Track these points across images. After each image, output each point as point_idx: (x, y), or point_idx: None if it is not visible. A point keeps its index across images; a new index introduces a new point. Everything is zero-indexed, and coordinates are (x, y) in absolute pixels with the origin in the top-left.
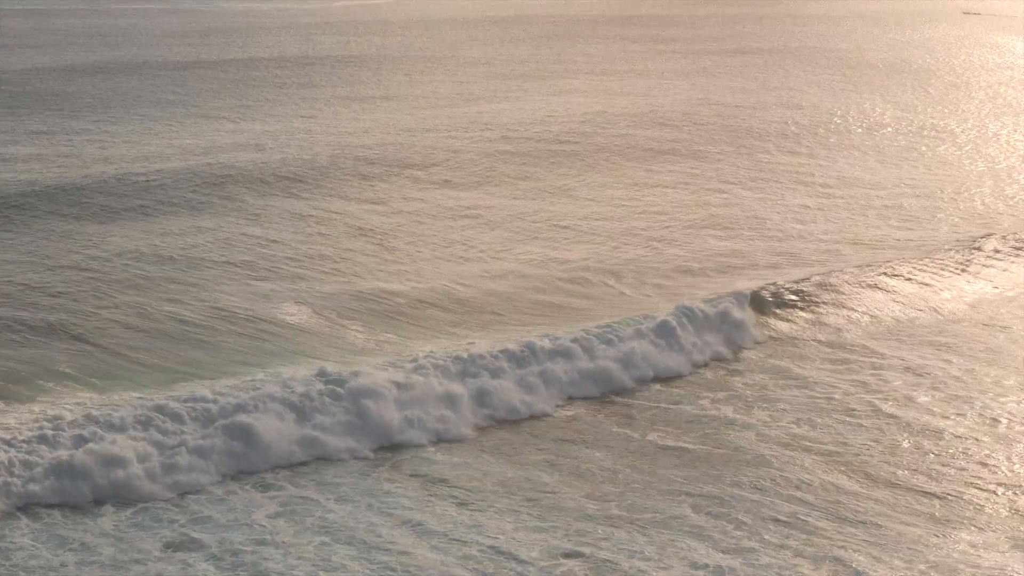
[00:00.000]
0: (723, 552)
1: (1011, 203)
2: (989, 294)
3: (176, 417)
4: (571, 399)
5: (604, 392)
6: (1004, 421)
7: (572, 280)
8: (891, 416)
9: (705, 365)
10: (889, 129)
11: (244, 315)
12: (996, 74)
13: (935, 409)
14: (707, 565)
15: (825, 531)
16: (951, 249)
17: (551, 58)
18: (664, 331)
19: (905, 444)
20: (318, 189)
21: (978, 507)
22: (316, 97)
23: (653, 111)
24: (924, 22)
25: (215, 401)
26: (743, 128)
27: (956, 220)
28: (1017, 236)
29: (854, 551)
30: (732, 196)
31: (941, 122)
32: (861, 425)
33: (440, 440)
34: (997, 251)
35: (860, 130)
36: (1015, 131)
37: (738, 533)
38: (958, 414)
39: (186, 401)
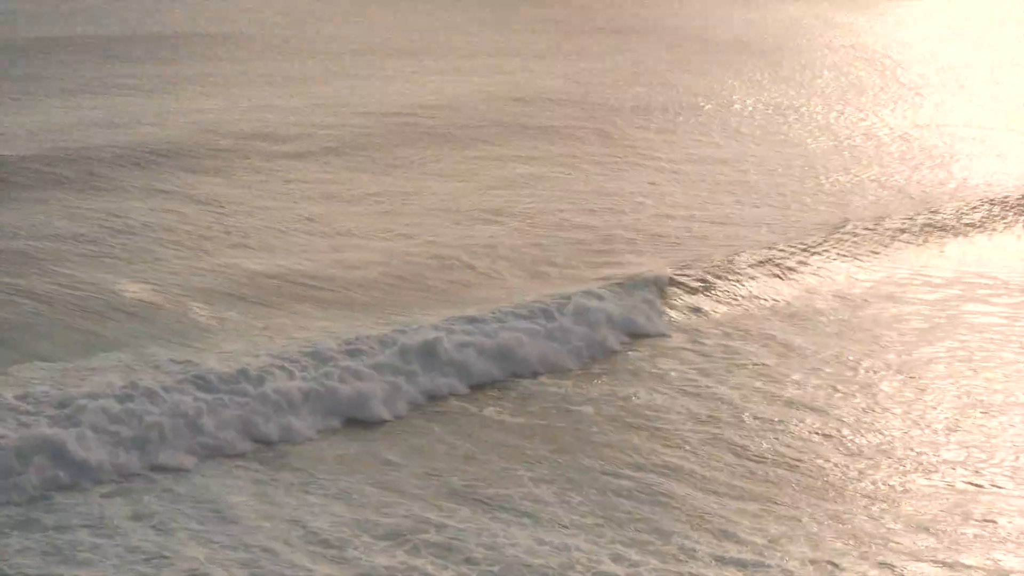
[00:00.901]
0: (568, 528)
1: (861, 184)
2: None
3: None
4: (433, 399)
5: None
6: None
7: (435, 263)
8: (766, 394)
9: (592, 358)
10: (741, 107)
11: (84, 292)
12: (841, 53)
13: (814, 394)
14: (552, 542)
15: (672, 504)
16: (819, 232)
17: (411, 35)
18: (547, 318)
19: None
20: (172, 167)
21: (829, 478)
22: (168, 75)
23: (515, 90)
24: (773, 1)
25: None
26: (600, 106)
27: (810, 200)
28: (881, 220)
29: (702, 527)
30: (594, 177)
31: (792, 102)
32: (736, 408)
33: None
34: (862, 233)
35: (713, 108)
36: (860, 110)
37: (583, 509)
38: (822, 390)
39: None
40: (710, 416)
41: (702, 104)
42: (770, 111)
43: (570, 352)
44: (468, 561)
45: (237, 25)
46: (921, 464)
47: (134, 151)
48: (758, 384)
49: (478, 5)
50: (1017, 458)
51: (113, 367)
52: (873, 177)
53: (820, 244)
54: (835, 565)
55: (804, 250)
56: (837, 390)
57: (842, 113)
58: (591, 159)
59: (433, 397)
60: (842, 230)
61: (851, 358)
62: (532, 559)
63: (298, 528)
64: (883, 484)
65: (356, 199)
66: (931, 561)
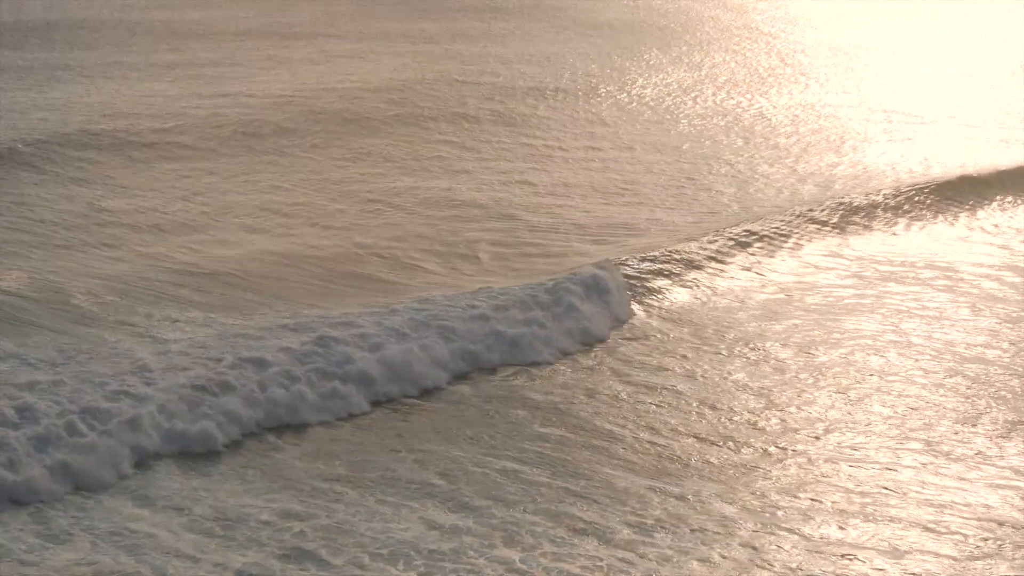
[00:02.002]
0: (458, 511)
1: (764, 170)
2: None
3: None
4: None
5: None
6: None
7: (350, 256)
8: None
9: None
10: (641, 91)
11: None
12: (733, 33)
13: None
14: (443, 525)
15: (554, 486)
16: (734, 221)
17: (292, 19)
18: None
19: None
20: (51, 162)
21: (707, 459)
22: (32, 66)
23: (409, 74)
24: None
25: None
26: (502, 89)
27: (717, 190)
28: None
29: (592, 507)
30: (500, 164)
31: (691, 84)
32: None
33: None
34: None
35: (622, 95)
36: (750, 93)
37: (469, 491)
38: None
39: None
40: (604, 396)
41: (601, 87)
42: (668, 95)
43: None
44: (359, 545)
45: (99, 12)
46: (817, 443)
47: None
48: (653, 364)
49: None
50: (899, 431)
51: None
52: (775, 161)
53: (737, 235)
54: (724, 544)
55: (721, 241)
56: (745, 375)
57: (735, 96)
58: (496, 145)
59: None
60: (759, 220)
61: (760, 345)
62: (423, 544)
63: (182, 516)
64: (779, 461)
65: (258, 189)
66: (813, 538)
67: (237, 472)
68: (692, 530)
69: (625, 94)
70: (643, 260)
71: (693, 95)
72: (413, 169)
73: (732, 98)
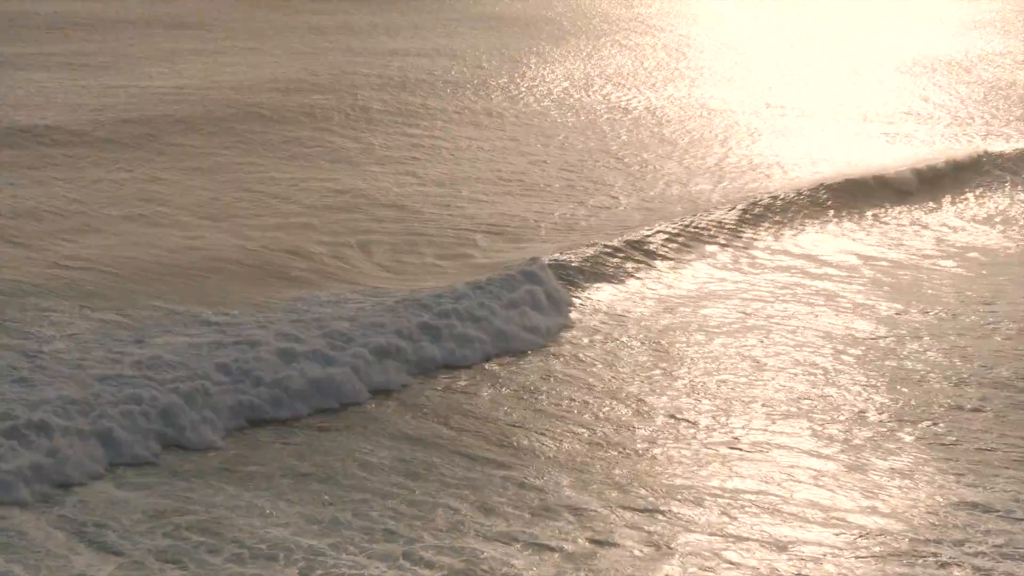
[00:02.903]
0: (339, 505)
1: (663, 169)
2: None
3: None
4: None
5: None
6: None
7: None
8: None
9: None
10: (546, 89)
11: None
12: (621, 27)
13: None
14: (322, 520)
15: (432, 478)
16: (639, 225)
17: (172, 12)
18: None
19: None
20: None
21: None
22: None
23: (284, 71)
24: None
25: None
26: (408, 86)
27: (618, 190)
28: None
29: (469, 499)
30: (408, 164)
31: (580, 78)
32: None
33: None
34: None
35: (513, 88)
36: (642, 91)
37: (347, 483)
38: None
39: None
40: (483, 394)
41: (491, 80)
42: (558, 88)
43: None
44: (237, 541)
45: None
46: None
47: None
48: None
49: None
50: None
51: None
52: (667, 157)
53: (644, 237)
54: (603, 532)
55: (630, 245)
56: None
57: (624, 90)
58: (388, 138)
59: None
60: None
61: (666, 344)
62: (303, 539)
63: (52, 514)
64: (660, 456)
65: (141, 179)
66: (700, 530)
67: (108, 470)
68: (577, 523)
69: (515, 87)
70: (567, 257)
71: (583, 89)
72: (303, 163)
73: (621, 92)
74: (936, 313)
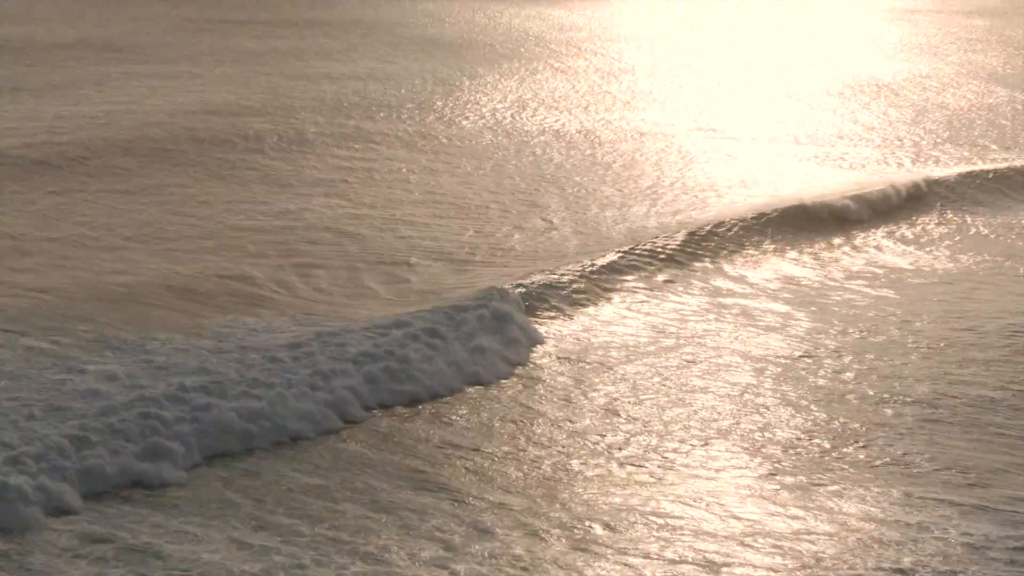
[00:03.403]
0: (263, 529)
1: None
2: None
3: None
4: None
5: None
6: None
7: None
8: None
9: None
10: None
11: None
12: (555, 48)
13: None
14: (251, 544)
15: (359, 501)
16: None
17: (103, 37)
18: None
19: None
20: None
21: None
22: None
23: (226, 97)
24: None
25: None
26: (318, 109)
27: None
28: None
29: (398, 523)
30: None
31: (515, 101)
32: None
33: None
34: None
35: (451, 112)
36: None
37: (277, 508)
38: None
39: None
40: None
41: (431, 103)
42: (496, 112)
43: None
44: (166, 570)
45: None
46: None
47: None
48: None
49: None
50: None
51: None
52: (603, 182)
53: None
54: (528, 556)
55: (579, 274)
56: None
57: (557, 114)
58: (327, 163)
59: None
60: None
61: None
62: (233, 564)
63: None
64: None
65: (73, 211)
66: (633, 554)
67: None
68: (508, 549)
69: (450, 110)
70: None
71: (517, 112)
72: (237, 187)
73: (554, 115)
74: (864, 335)
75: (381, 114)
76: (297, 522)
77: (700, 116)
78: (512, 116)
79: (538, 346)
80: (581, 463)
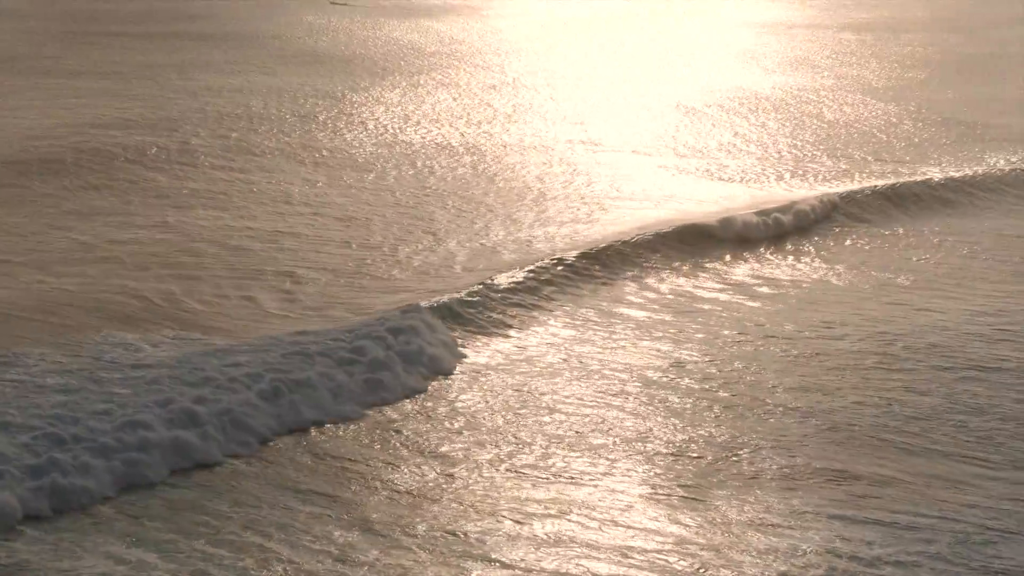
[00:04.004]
0: (142, 547)
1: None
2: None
3: None
4: None
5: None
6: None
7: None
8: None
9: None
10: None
11: None
12: (438, 61)
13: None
14: (130, 560)
15: (237, 517)
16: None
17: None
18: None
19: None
20: None
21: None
22: None
23: (107, 113)
24: (299, 9)
25: None
26: (201, 123)
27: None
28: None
29: (278, 536)
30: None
31: (404, 115)
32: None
33: None
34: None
35: (339, 125)
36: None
37: (157, 525)
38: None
39: None
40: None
41: (316, 116)
42: (382, 127)
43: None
44: None
45: None
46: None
47: None
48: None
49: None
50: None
51: None
52: (497, 195)
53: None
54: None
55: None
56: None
57: (444, 128)
58: (214, 180)
59: None
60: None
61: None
62: None
63: None
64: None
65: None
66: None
67: None
68: (389, 561)
69: (334, 123)
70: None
71: (401, 125)
72: (119, 202)
73: (438, 129)
74: (749, 347)
75: (263, 127)
76: (174, 536)
77: (582, 129)
78: (395, 129)
79: (434, 363)
80: (469, 476)
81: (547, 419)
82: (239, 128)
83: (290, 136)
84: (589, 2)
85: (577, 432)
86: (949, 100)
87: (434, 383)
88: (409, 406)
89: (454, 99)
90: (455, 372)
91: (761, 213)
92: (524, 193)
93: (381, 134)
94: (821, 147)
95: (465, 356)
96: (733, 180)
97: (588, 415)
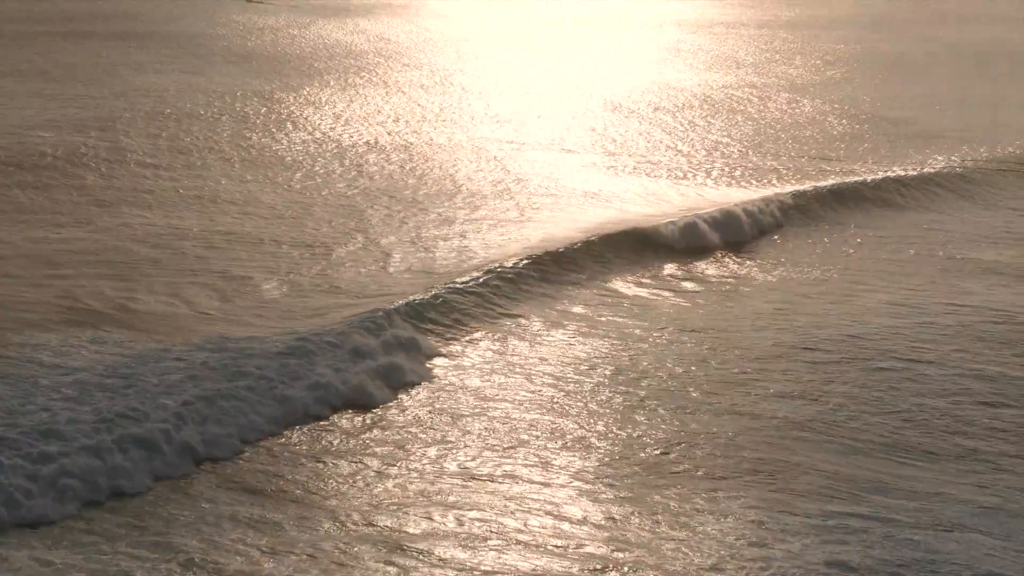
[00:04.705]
0: (68, 549)
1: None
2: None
3: None
4: None
5: None
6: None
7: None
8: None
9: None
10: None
11: None
12: (368, 60)
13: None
14: (55, 562)
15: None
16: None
17: None
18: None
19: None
20: None
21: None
22: None
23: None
24: (219, 9)
25: None
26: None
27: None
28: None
29: (205, 538)
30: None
31: (333, 116)
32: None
33: None
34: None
35: (268, 124)
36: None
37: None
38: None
39: None
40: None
41: (251, 116)
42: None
43: None
44: None
45: None
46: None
47: None
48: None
49: None
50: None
51: None
52: (428, 195)
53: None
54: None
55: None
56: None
57: (379, 131)
58: (157, 183)
59: None
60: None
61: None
62: None
63: None
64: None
65: None
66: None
67: None
68: (319, 560)
69: (268, 124)
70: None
71: (335, 125)
72: (48, 202)
73: (372, 129)
74: (694, 348)
75: (193, 126)
76: (97, 539)
77: (511, 127)
78: (326, 128)
79: (375, 372)
80: (408, 482)
81: (482, 422)
82: (168, 128)
83: (219, 135)
84: (518, 4)
85: (512, 434)
86: (874, 98)
87: (375, 391)
88: (346, 417)
89: (383, 98)
90: (395, 380)
91: (704, 214)
92: (454, 193)
93: (311, 132)
94: (748, 144)
95: (402, 364)
96: (660, 176)
97: (523, 418)
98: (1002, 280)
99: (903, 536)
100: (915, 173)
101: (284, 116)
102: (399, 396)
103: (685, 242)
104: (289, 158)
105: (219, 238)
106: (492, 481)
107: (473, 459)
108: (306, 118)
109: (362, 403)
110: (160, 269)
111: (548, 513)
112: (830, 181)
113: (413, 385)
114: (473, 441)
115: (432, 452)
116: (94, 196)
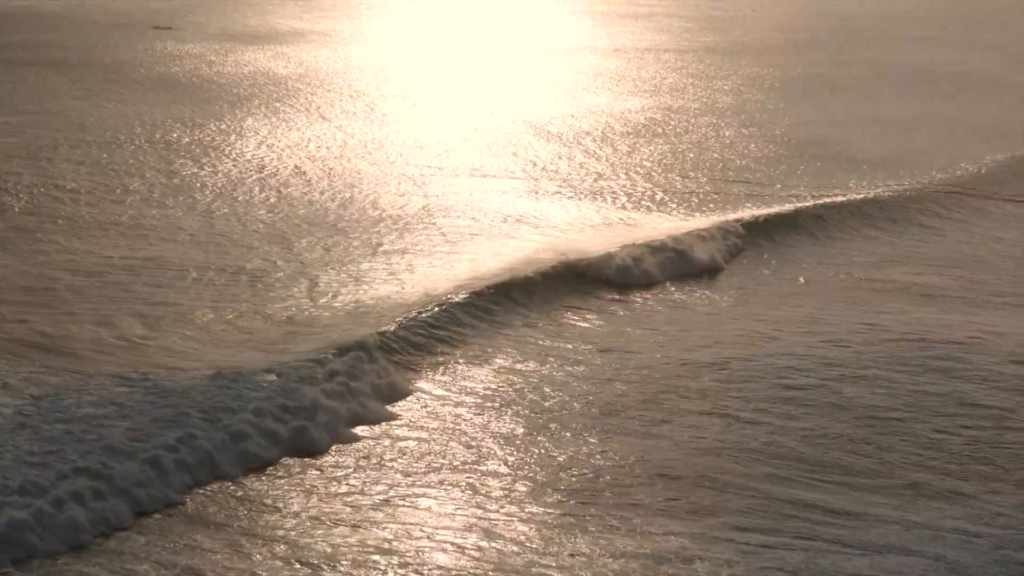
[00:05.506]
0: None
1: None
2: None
3: None
4: None
5: None
6: None
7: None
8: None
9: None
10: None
11: None
12: (267, 87)
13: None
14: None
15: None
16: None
17: None
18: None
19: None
20: None
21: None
22: None
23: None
24: (134, 36)
25: None
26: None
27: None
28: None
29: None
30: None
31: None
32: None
33: None
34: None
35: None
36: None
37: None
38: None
39: None
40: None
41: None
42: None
43: None
44: None
45: None
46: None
47: None
48: None
49: None
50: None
51: None
52: (350, 222)
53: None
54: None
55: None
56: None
57: (274, 150)
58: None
59: None
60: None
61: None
62: None
63: None
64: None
65: None
66: None
67: None
68: None
69: (194, 151)
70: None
71: (262, 153)
72: None
73: (298, 156)
74: (637, 375)
75: (117, 153)
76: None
77: (435, 154)
78: (251, 155)
79: (312, 409)
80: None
81: (407, 459)
82: (90, 154)
83: (145, 162)
84: (435, 31)
85: (461, 463)
86: (798, 122)
87: (315, 435)
88: (288, 461)
89: (306, 125)
90: (338, 420)
91: (646, 244)
92: (382, 219)
93: (233, 159)
94: (668, 168)
95: (343, 395)
96: (585, 199)
97: (450, 450)
98: (915, 301)
99: (824, 557)
100: (847, 203)
101: (206, 143)
102: (341, 445)
103: (620, 279)
104: (211, 184)
105: (146, 266)
106: (416, 509)
107: (402, 496)
108: (231, 144)
109: (302, 448)
110: (84, 298)
111: (475, 537)
112: (748, 210)
113: (353, 424)
114: (402, 476)
115: (365, 490)
116: (17, 224)
